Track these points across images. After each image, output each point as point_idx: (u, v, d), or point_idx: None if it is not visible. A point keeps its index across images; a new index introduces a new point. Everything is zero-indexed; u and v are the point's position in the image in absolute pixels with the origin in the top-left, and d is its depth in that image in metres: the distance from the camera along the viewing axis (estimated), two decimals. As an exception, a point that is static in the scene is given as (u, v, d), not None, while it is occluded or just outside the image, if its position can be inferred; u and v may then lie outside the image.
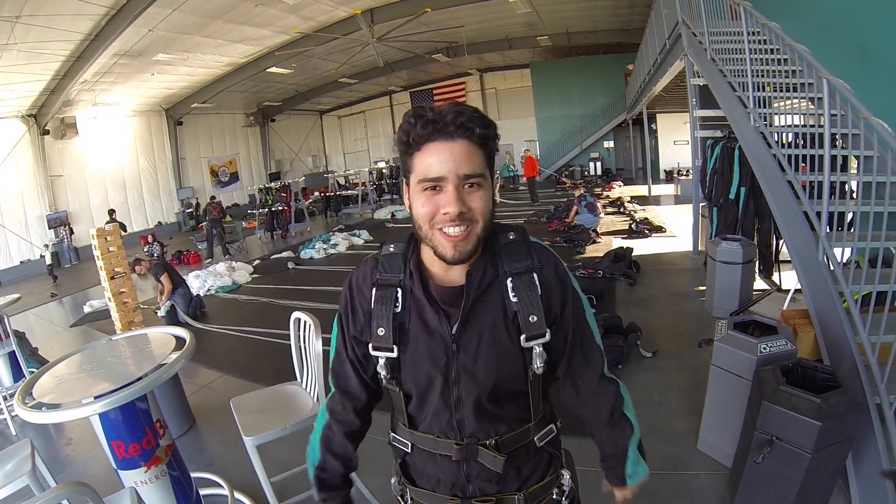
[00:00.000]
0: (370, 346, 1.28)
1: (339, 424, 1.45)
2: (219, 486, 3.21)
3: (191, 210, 20.20)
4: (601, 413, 1.40)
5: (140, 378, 2.28)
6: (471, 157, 1.10)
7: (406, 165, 1.16)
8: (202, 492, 3.08)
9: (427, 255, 1.23)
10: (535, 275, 1.23)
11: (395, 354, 1.25)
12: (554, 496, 1.41)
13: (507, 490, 1.34)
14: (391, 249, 1.30)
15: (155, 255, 11.66)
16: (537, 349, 1.22)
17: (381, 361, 1.27)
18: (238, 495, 3.16)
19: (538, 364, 1.22)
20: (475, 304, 1.22)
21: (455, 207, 1.09)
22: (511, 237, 1.27)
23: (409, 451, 1.38)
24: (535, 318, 1.20)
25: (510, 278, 1.22)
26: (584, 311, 1.33)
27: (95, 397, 2.14)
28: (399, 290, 1.25)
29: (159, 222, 20.59)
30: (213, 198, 16.20)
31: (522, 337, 1.21)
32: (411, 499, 1.44)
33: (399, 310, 1.25)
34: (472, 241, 1.14)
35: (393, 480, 1.50)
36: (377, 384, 1.39)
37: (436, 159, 1.09)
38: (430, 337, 1.24)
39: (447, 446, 1.29)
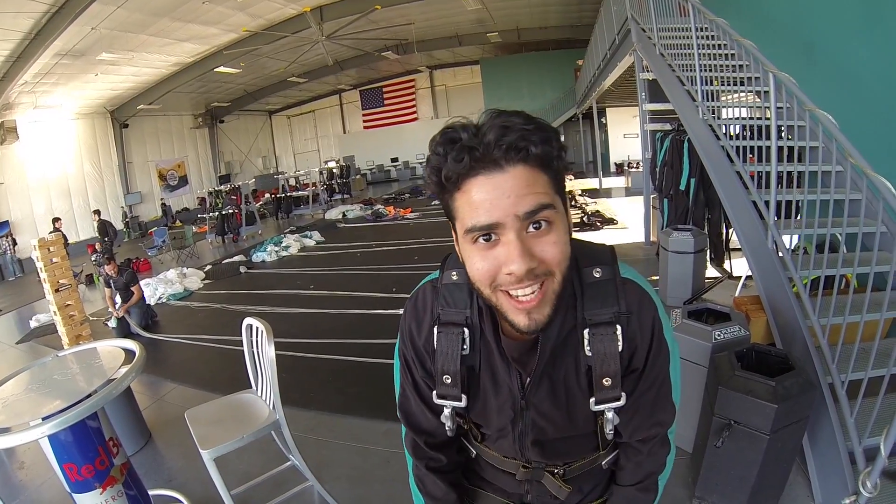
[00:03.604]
0: (434, 393, 1.12)
1: (423, 461, 1.28)
2: (179, 502, 3.12)
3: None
4: (638, 472, 1.21)
5: (89, 395, 2.18)
6: (530, 185, 0.82)
7: (446, 209, 0.92)
8: (162, 508, 2.99)
9: None
10: (618, 327, 1.01)
11: (463, 404, 1.10)
12: None
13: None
14: (454, 278, 1.09)
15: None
16: (609, 414, 1.06)
17: (447, 412, 1.13)
18: (199, 510, 3.08)
19: (608, 430, 1.09)
20: (549, 360, 1.04)
21: (521, 265, 0.83)
22: (597, 276, 1.03)
23: (472, 456, 1.31)
24: (609, 382, 1.02)
25: (588, 328, 1.01)
26: (668, 362, 1.10)
27: (43, 418, 2.04)
28: (466, 330, 1.07)
29: (106, 230, 19.93)
30: (97, 212, 15.59)
31: (592, 400, 1.04)
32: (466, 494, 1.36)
33: (467, 352, 1.07)
34: (549, 303, 0.90)
35: None
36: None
37: (483, 198, 0.82)
38: (498, 390, 1.10)
39: (513, 466, 1.22)
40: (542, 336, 0.99)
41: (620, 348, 1.01)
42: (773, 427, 2.43)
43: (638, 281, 1.07)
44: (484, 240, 0.85)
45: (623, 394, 1.03)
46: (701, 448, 2.79)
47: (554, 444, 1.16)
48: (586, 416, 1.09)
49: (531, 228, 0.84)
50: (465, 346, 1.06)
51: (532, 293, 0.87)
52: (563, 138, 0.88)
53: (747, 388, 2.48)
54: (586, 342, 1.01)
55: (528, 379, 1.06)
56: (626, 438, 1.17)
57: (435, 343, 1.09)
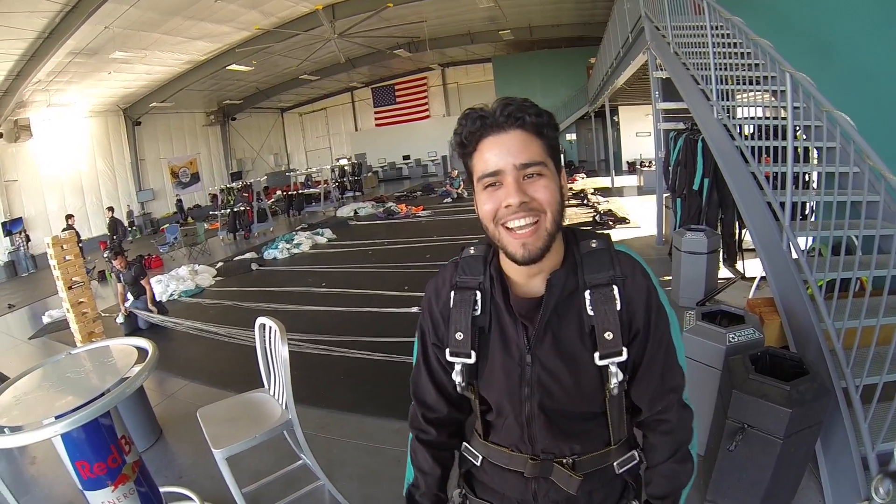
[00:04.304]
0: (447, 351, 1.23)
1: (416, 432, 1.40)
2: (189, 499, 3.12)
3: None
4: (667, 444, 1.25)
5: (102, 394, 2.18)
6: (526, 146, 1.05)
7: (468, 169, 1.13)
8: (172, 506, 2.99)
9: (506, 260, 1.15)
10: (615, 287, 1.14)
11: (472, 360, 1.20)
12: None
13: None
14: (471, 252, 1.26)
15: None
16: (612, 368, 1.13)
17: (458, 367, 1.22)
18: (210, 507, 3.09)
19: (613, 384, 1.14)
20: (553, 316, 1.15)
21: (516, 198, 1.03)
22: (594, 245, 1.18)
23: (477, 463, 1.33)
24: (611, 336, 1.12)
25: (588, 290, 1.14)
26: (668, 327, 1.21)
27: (56, 417, 2.04)
28: (478, 293, 1.20)
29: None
30: (110, 209, 15.16)
31: (596, 354, 1.13)
32: None
33: (479, 313, 1.20)
34: (542, 237, 1.06)
35: (455, 493, 1.41)
36: (459, 395, 1.31)
37: (491, 153, 1.05)
38: (507, 346, 1.19)
39: (521, 461, 1.24)
40: (546, 292, 1.13)
41: (619, 307, 1.13)
42: (786, 432, 2.40)
43: (631, 253, 1.21)
44: (491, 186, 1.07)
45: (625, 349, 1.12)
46: (713, 451, 2.77)
47: (561, 420, 1.20)
48: (591, 377, 1.15)
49: (526, 177, 1.05)
50: (476, 307, 1.20)
51: (526, 225, 1.05)
52: (557, 121, 1.11)
53: (761, 392, 2.46)
54: (588, 303, 1.13)
55: (534, 334, 1.15)
56: (647, 412, 1.25)
57: (451, 305, 1.22)
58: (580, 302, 1.14)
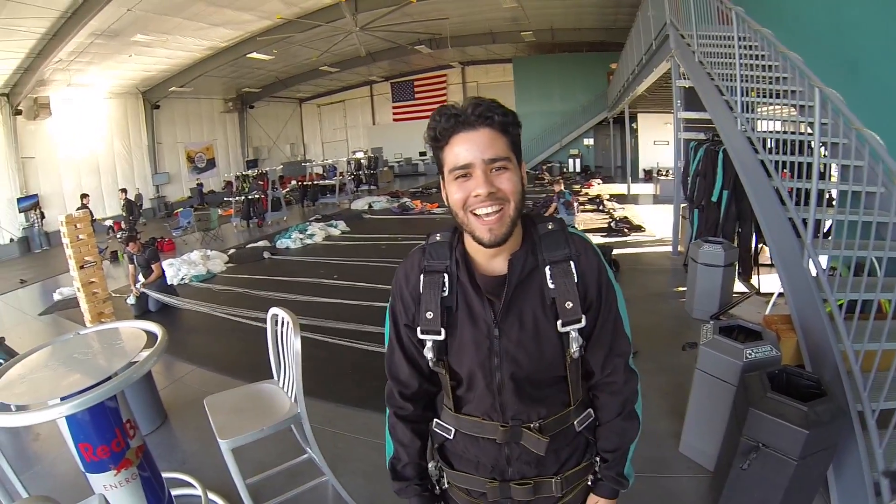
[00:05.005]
0: (419, 329, 1.34)
1: (393, 409, 1.50)
2: (192, 486, 3.11)
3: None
4: (615, 403, 1.43)
5: (110, 377, 2.15)
6: (494, 142, 1.17)
7: (438, 161, 1.24)
8: (174, 492, 2.92)
9: (471, 244, 1.28)
10: (572, 263, 1.28)
11: (442, 337, 1.31)
12: (589, 482, 1.48)
13: (546, 473, 1.40)
14: (437, 238, 1.38)
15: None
16: (573, 334, 1.27)
17: (429, 344, 1.33)
18: (212, 496, 3.07)
19: (574, 348, 1.28)
20: (516, 292, 1.27)
21: (484, 188, 1.15)
22: (550, 227, 1.32)
23: (450, 436, 1.43)
24: (571, 305, 1.26)
25: (548, 266, 1.28)
26: (616, 301, 1.37)
27: (62, 398, 2.02)
28: (446, 276, 1.32)
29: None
30: (123, 190, 15.18)
31: (559, 322, 1.26)
32: (448, 482, 1.51)
33: (446, 294, 1.31)
34: (506, 224, 1.19)
35: (430, 465, 1.53)
36: (430, 371, 1.42)
37: (462, 148, 1.17)
38: (475, 322, 1.30)
39: (492, 429, 1.35)
40: (509, 271, 1.26)
41: (576, 280, 1.28)
42: (802, 453, 2.37)
43: (582, 235, 1.37)
44: (461, 177, 1.18)
45: (583, 316, 1.27)
46: (724, 468, 2.73)
47: (528, 386, 1.33)
48: (553, 344, 1.29)
49: (493, 170, 1.17)
50: (444, 288, 1.31)
51: (492, 212, 1.17)
52: (519, 118, 1.23)
53: (778, 412, 2.42)
54: (548, 278, 1.27)
55: (500, 309, 1.27)
56: (599, 375, 1.41)
57: (421, 288, 1.34)
58: (541, 277, 1.28)
